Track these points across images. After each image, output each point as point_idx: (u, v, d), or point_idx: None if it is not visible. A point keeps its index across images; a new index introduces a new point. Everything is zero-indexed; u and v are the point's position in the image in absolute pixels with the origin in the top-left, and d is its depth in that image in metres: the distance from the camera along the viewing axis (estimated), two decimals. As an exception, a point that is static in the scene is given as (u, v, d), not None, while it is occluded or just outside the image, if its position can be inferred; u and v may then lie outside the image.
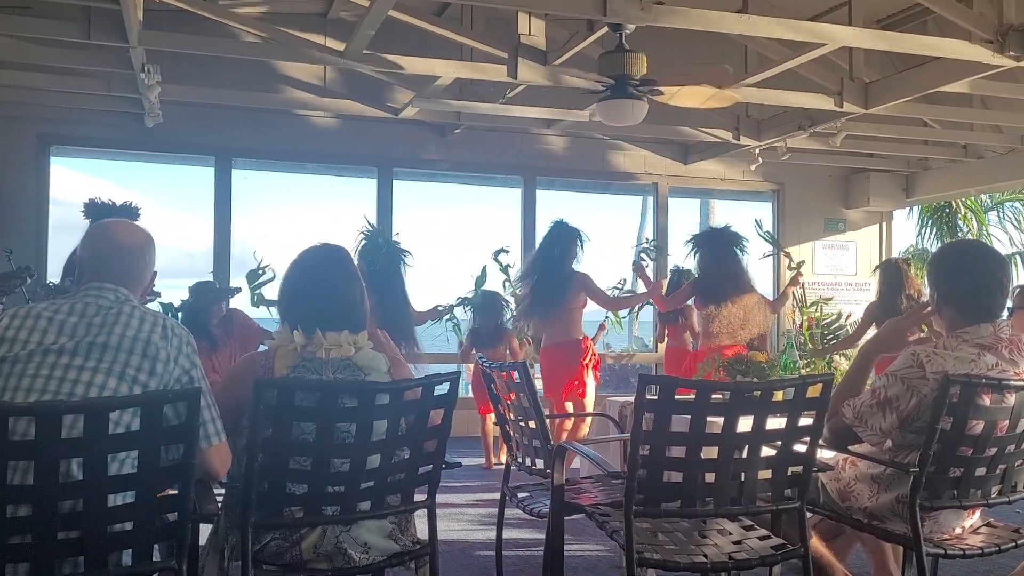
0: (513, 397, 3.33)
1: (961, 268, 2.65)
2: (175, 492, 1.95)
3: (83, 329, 2.03)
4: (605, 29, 5.49)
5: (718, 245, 6.01)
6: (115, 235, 2.25)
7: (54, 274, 7.18)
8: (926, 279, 2.73)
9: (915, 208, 10.57)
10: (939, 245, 9.89)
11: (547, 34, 6.09)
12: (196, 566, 2.17)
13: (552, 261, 6.10)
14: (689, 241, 6.20)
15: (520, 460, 3.42)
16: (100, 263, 2.18)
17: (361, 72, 7.14)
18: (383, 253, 5.91)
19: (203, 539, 2.37)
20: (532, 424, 3.24)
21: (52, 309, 2.06)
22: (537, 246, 6.39)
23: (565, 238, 6.13)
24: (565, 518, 2.97)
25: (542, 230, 6.56)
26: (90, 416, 1.79)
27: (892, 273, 6.17)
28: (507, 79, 6.18)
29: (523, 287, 6.31)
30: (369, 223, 6.24)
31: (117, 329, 2.05)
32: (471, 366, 7.11)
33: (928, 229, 10.60)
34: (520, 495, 3.38)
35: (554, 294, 6.07)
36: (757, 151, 8.37)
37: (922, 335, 2.80)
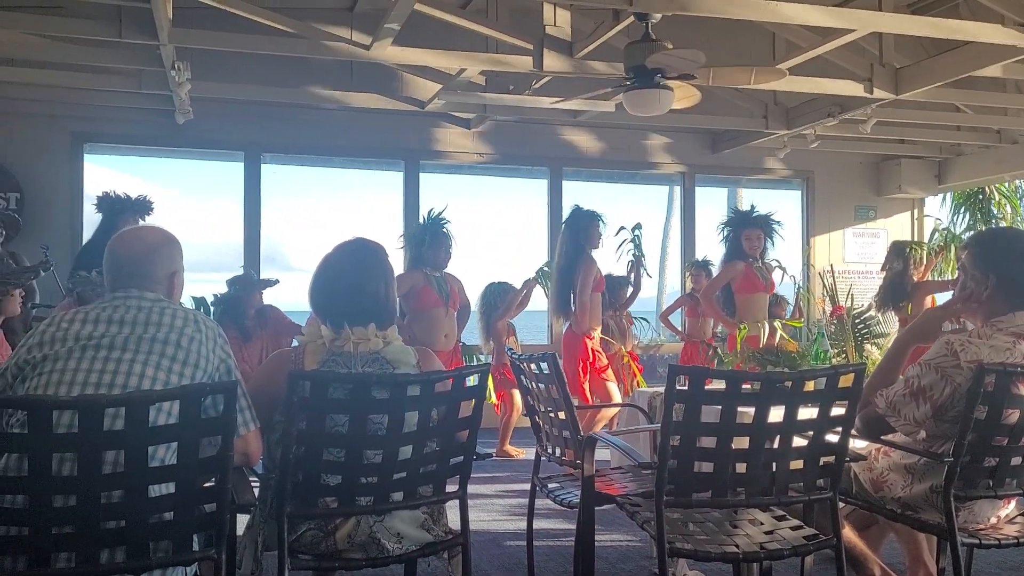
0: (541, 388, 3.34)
1: (1019, 253, 2.62)
2: (213, 483, 1.99)
3: (116, 327, 2.09)
4: (631, 19, 5.46)
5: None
6: (130, 244, 2.30)
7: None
8: (973, 264, 2.67)
9: (948, 195, 10.41)
10: (973, 232, 9.73)
11: (572, 24, 6.07)
12: (234, 556, 2.21)
13: (568, 246, 6.06)
14: (725, 225, 6.19)
15: (550, 451, 3.43)
16: (118, 272, 2.24)
17: (387, 66, 7.18)
18: (429, 228, 6.01)
19: (240, 530, 2.42)
20: (562, 415, 3.26)
21: (85, 311, 2.14)
22: (562, 240, 6.28)
23: (580, 222, 6.09)
24: (595, 508, 2.98)
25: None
26: (131, 409, 1.83)
27: (898, 254, 6.40)
28: (533, 70, 6.17)
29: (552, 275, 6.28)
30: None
31: (151, 327, 2.11)
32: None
33: (961, 216, 10.43)
34: (550, 485, 3.39)
35: (565, 281, 6.05)
36: (786, 139, 8.29)
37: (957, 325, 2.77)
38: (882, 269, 6.63)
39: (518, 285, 7.07)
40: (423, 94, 7.55)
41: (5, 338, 4.75)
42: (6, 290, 4.32)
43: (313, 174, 10.04)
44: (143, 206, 5.31)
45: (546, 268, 7.13)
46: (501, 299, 7.02)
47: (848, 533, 2.74)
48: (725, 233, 6.22)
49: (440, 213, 6.08)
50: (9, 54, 6.52)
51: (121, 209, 5.18)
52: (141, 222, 4.94)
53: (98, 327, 2.08)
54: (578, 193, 9.28)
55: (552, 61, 6.03)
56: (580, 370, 6.00)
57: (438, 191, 8.89)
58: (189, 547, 1.97)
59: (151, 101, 7.35)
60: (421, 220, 6.35)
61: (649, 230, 6.89)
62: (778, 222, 6.31)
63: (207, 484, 1.98)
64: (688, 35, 6.36)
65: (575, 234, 6.08)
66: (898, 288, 6.32)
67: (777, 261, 6.41)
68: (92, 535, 1.83)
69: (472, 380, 2.40)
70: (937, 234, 9.96)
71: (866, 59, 6.73)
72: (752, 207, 6.35)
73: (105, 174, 8.75)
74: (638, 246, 6.91)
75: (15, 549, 1.83)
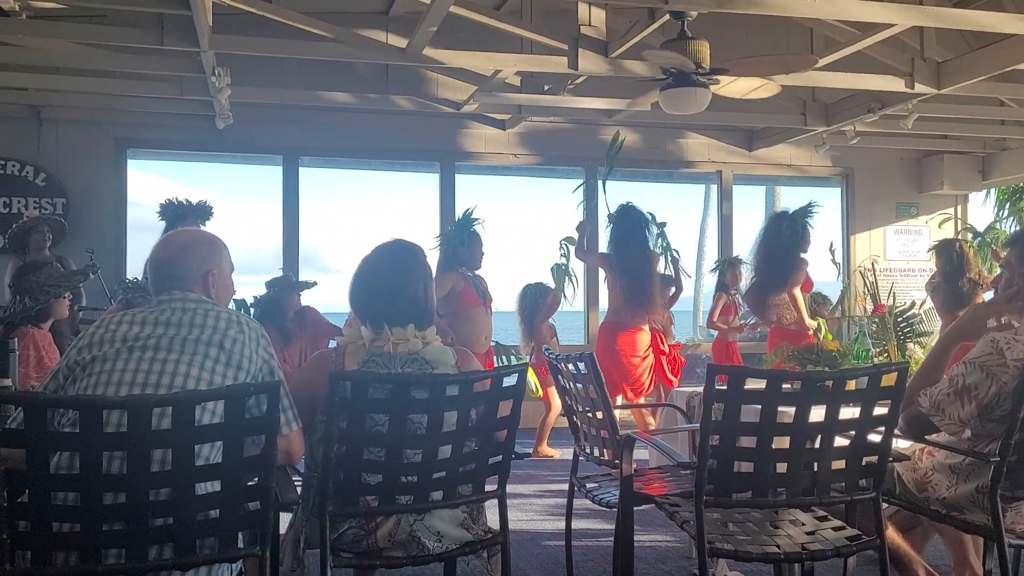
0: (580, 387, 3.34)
1: None
2: (257, 481, 2.02)
3: (162, 328, 2.14)
4: (666, 17, 5.44)
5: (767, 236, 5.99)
6: (164, 247, 2.36)
7: (132, 272, 7.46)
8: (1020, 261, 2.63)
9: (992, 191, 10.21)
10: (1018, 228, 9.50)
11: (607, 24, 6.06)
12: (278, 553, 2.25)
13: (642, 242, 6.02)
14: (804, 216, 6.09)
15: (588, 451, 3.43)
16: (156, 276, 2.30)
17: (423, 68, 7.23)
18: (465, 228, 5.95)
19: (282, 528, 2.45)
20: (599, 415, 3.25)
21: (132, 314, 2.20)
22: (622, 232, 6.11)
23: (643, 219, 6.06)
24: (634, 508, 2.97)
25: (603, 221, 6.48)
26: (178, 408, 1.87)
27: (953, 254, 6.00)
28: (568, 71, 6.17)
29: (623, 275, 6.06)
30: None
31: (195, 328, 2.15)
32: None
33: (1006, 212, 10.21)
34: (588, 485, 3.39)
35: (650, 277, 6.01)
36: (825, 135, 8.19)
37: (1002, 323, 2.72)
38: (937, 271, 6.24)
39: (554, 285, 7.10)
40: (458, 96, 7.59)
41: (53, 340, 4.86)
42: (58, 293, 4.43)
43: (350, 177, 10.15)
44: (203, 211, 5.41)
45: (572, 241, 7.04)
46: (542, 300, 7.03)
47: (892, 534, 2.70)
48: (796, 228, 5.98)
49: (471, 211, 6.11)
50: (55, 63, 6.68)
51: (183, 215, 5.29)
52: (202, 227, 5.04)
53: (144, 328, 2.13)
54: (614, 193, 9.22)
55: (587, 61, 6.03)
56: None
57: (473, 192, 8.93)
58: (234, 544, 2.00)
59: (192, 107, 7.48)
60: (456, 220, 6.37)
61: (685, 229, 6.84)
62: (808, 222, 6.23)
63: (251, 483, 2.02)
64: (725, 32, 6.31)
65: (643, 233, 6.03)
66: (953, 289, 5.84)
67: (833, 255, 6.27)
68: (141, 532, 1.88)
69: (510, 380, 2.41)
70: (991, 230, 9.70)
71: (907, 54, 6.62)
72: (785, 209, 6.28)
73: (147, 179, 8.92)
74: (667, 245, 6.87)
75: (68, 545, 1.88)
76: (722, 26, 6.43)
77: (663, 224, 6.78)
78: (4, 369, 3.13)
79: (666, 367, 6.13)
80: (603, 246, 6.36)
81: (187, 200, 5.41)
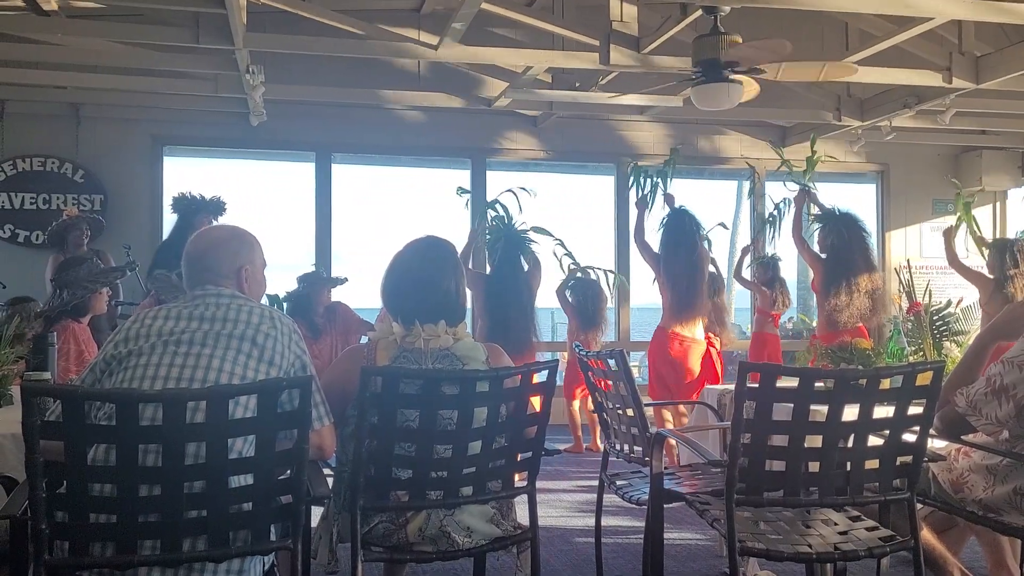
0: (610, 385, 3.34)
1: None
2: (289, 475, 2.04)
3: (196, 323, 2.17)
4: (699, 12, 5.40)
5: (850, 227, 5.92)
6: (198, 242, 2.39)
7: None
8: None
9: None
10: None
11: (639, 19, 6.03)
12: (308, 546, 2.27)
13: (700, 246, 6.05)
14: (818, 220, 6.04)
15: (618, 448, 3.42)
16: (189, 270, 2.33)
17: (454, 65, 7.24)
18: (500, 245, 5.89)
19: (314, 522, 2.48)
20: (629, 412, 3.25)
21: (167, 308, 2.23)
22: (671, 238, 6.07)
23: (696, 225, 6.05)
24: (664, 506, 2.96)
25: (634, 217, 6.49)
26: (212, 402, 1.89)
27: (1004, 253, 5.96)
28: (599, 66, 6.15)
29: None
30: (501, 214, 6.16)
31: (229, 323, 2.17)
32: (564, 353, 7.13)
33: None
34: (618, 482, 3.38)
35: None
36: (860, 131, 8.08)
37: None
38: (990, 272, 6.15)
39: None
40: (490, 92, 7.60)
41: (92, 335, 4.94)
42: (96, 288, 4.51)
43: (381, 173, 10.19)
44: (216, 206, 5.49)
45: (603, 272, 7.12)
46: (595, 292, 7.02)
47: (926, 535, 2.66)
48: (829, 229, 6.00)
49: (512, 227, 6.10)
50: (93, 61, 6.80)
51: (196, 209, 5.37)
52: (215, 222, 5.11)
53: (179, 323, 2.16)
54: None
55: (618, 57, 6.00)
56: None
57: (505, 189, 8.89)
58: (266, 537, 2.02)
59: (227, 104, 7.57)
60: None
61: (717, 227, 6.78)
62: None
63: (283, 476, 2.04)
64: (758, 27, 6.25)
65: (693, 240, 6.03)
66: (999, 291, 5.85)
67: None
68: (175, 523, 1.90)
69: (540, 376, 2.41)
70: None
71: (945, 48, 6.52)
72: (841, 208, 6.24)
73: (183, 175, 9.03)
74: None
75: (104, 535, 1.91)
76: (755, 21, 6.37)
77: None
78: (43, 362, 3.19)
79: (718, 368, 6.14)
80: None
81: (200, 195, 5.48)
